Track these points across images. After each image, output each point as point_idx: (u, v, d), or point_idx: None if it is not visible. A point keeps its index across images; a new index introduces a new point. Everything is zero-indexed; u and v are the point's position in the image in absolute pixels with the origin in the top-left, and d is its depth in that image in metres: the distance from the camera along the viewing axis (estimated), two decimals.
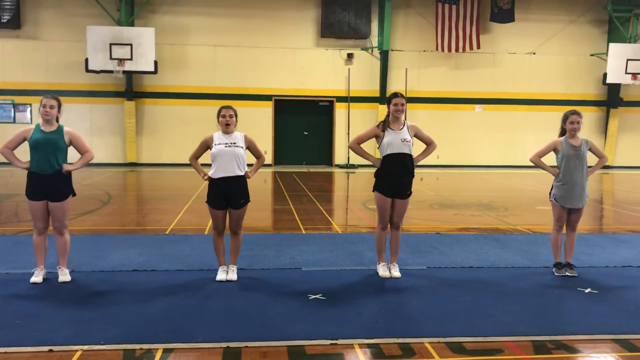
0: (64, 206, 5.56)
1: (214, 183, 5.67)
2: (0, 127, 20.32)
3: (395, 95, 5.87)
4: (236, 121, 5.71)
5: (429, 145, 6.04)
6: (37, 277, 5.55)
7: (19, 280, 5.58)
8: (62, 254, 5.65)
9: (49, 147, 5.43)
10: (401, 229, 6.12)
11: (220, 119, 5.65)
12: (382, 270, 5.97)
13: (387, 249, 6.10)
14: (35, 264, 5.66)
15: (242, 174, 5.68)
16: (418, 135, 5.94)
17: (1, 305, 4.85)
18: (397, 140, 5.76)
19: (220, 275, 5.75)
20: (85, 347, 3.98)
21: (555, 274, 6.11)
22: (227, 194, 5.63)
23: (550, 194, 6.27)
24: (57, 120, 5.58)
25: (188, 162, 6.02)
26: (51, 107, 5.45)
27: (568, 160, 6.04)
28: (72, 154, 5.64)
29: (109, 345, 4.02)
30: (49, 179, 5.44)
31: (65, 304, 4.92)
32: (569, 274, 6.04)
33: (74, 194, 5.69)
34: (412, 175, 5.94)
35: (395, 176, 5.83)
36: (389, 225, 6.03)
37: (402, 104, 5.79)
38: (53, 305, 4.88)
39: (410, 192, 5.96)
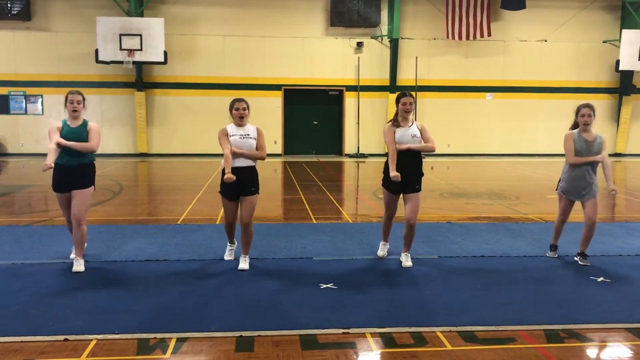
0: (85, 194, 5.68)
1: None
2: (12, 119, 20.51)
3: (404, 94, 5.92)
4: (249, 113, 5.77)
5: (429, 144, 5.92)
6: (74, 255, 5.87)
7: (34, 270, 5.64)
8: (78, 244, 5.72)
9: (74, 140, 5.57)
10: (416, 225, 5.97)
11: (234, 111, 5.72)
12: (380, 250, 6.18)
13: (398, 238, 6.12)
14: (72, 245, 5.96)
15: (254, 164, 5.76)
16: (423, 135, 5.90)
17: (17, 295, 4.91)
18: (407, 136, 5.82)
19: (228, 255, 6.01)
20: (100, 337, 4.03)
21: (547, 254, 6.38)
22: (239, 184, 5.67)
23: (557, 185, 6.27)
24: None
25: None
26: (78, 102, 5.66)
27: (579, 154, 6.00)
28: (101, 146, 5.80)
29: (123, 334, 4.06)
30: (73, 171, 5.61)
31: (80, 293, 4.97)
32: (580, 263, 6.05)
33: (94, 188, 5.86)
34: (420, 173, 5.91)
35: (402, 173, 5.78)
36: (404, 221, 5.96)
37: (411, 103, 5.86)
38: (67, 295, 4.93)
39: (419, 188, 5.90)
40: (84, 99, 5.74)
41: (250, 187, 5.73)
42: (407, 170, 5.81)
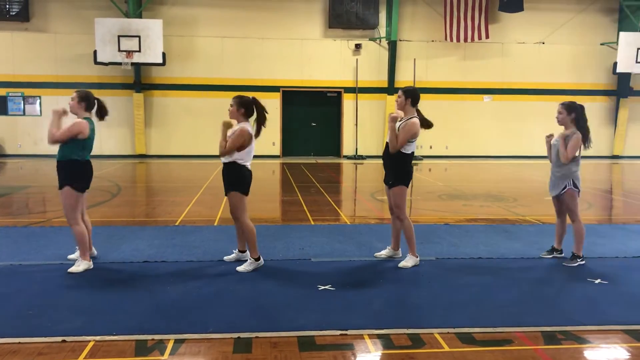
0: (61, 196, 5.69)
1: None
2: (10, 120, 20.48)
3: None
4: (237, 110, 5.74)
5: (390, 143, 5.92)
6: (74, 255, 6.04)
7: (32, 271, 5.64)
8: (77, 245, 5.75)
9: None
10: (405, 220, 5.97)
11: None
12: (381, 251, 6.35)
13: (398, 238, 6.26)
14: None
15: (232, 161, 5.70)
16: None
17: (14, 296, 4.91)
18: (393, 130, 5.92)
19: (228, 257, 6.16)
20: (98, 338, 4.03)
21: (541, 254, 6.49)
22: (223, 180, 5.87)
23: None
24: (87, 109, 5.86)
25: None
26: (72, 99, 5.80)
27: (551, 148, 6.27)
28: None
29: (121, 335, 4.06)
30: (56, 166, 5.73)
31: (77, 294, 4.97)
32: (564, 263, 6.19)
33: (74, 188, 5.69)
34: (394, 165, 5.93)
35: (383, 164, 6.14)
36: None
37: (398, 96, 5.96)
38: (65, 296, 4.93)
39: (393, 183, 5.93)
40: (79, 96, 5.84)
41: (227, 186, 5.82)
42: (384, 163, 6.10)
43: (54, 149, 5.70)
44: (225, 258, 6.16)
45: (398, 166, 5.93)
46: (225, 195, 5.83)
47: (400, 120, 5.88)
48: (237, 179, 5.73)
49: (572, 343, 4.08)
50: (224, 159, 5.72)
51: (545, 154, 6.48)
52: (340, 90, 21.65)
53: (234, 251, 6.21)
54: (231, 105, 5.75)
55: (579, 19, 22.06)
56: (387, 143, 6.00)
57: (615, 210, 10.59)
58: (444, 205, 10.34)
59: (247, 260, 5.86)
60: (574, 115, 6.06)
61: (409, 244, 6.03)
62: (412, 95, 5.89)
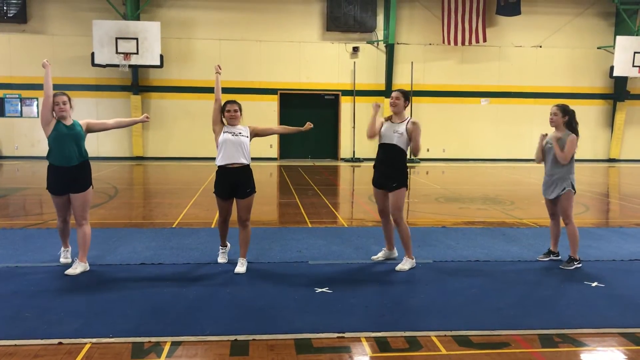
0: (85, 197, 5.69)
1: (220, 172, 5.83)
2: (8, 121, 20.46)
3: (394, 91, 6.06)
4: (241, 115, 5.86)
5: (413, 149, 6.01)
6: (65, 259, 5.97)
7: (28, 273, 5.62)
8: (80, 246, 5.72)
9: (72, 139, 5.57)
10: (403, 223, 5.97)
11: (226, 113, 5.83)
12: (377, 254, 6.34)
13: (397, 243, 6.22)
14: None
15: (248, 163, 5.81)
16: (410, 134, 5.88)
17: (11, 297, 4.89)
18: (389, 131, 5.91)
19: (221, 259, 6.10)
20: (94, 340, 4.01)
21: (537, 257, 6.50)
22: (233, 184, 5.76)
23: None
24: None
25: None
26: (64, 102, 5.62)
27: (546, 151, 6.28)
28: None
29: (118, 338, 4.05)
30: (71, 170, 5.59)
31: (74, 297, 4.95)
32: (560, 266, 6.19)
33: (92, 186, 5.86)
34: (397, 169, 5.93)
35: (380, 166, 6.03)
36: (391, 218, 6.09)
37: (397, 98, 5.93)
38: (62, 298, 4.92)
39: (397, 186, 5.90)
40: (69, 98, 5.71)
41: (246, 189, 5.79)
42: (384, 165, 5.99)
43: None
44: (219, 261, 6.15)
45: (400, 167, 5.93)
46: (243, 198, 5.78)
47: (400, 122, 5.91)
48: (253, 179, 5.88)
49: (569, 346, 4.08)
50: (244, 161, 5.72)
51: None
52: (338, 93, 21.68)
53: (221, 250, 6.22)
54: (236, 111, 5.77)
55: (576, 23, 22.13)
56: (382, 145, 5.96)
57: (612, 214, 10.62)
58: (441, 208, 10.35)
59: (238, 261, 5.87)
60: (568, 118, 6.09)
61: (405, 247, 6.02)
62: (409, 97, 6.10)
